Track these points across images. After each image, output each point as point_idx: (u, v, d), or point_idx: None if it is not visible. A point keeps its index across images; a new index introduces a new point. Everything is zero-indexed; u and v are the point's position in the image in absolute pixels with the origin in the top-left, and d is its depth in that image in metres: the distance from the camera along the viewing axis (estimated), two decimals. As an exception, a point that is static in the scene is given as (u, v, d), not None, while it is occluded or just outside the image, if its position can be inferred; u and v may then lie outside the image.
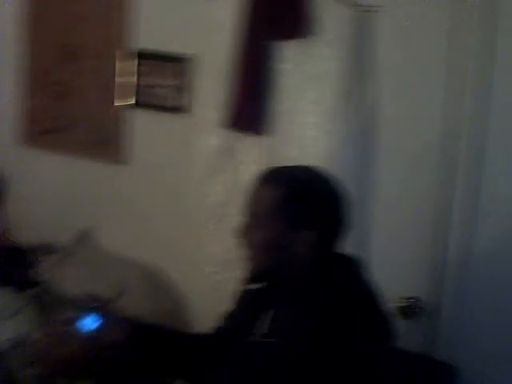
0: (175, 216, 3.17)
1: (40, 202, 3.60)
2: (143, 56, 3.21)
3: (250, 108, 2.89)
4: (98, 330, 1.71)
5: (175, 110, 3.15)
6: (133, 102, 3.26)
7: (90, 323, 1.70)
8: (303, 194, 1.76)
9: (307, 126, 2.85)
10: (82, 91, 3.44)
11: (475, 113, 2.51)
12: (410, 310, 2.70)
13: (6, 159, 3.66)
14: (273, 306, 1.81)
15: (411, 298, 2.70)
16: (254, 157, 2.96)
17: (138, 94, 3.25)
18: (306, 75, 2.82)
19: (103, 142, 3.38)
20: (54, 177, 3.58)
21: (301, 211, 1.74)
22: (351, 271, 1.83)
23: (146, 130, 3.29)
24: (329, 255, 1.82)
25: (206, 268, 3.01)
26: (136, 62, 3.22)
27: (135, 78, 3.24)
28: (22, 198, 3.63)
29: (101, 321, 1.73)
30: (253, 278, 1.95)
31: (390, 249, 2.77)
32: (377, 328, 1.75)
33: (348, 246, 2.78)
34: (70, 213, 3.50)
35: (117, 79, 3.29)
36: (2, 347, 2.81)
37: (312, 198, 1.76)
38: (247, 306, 1.96)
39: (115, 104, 3.31)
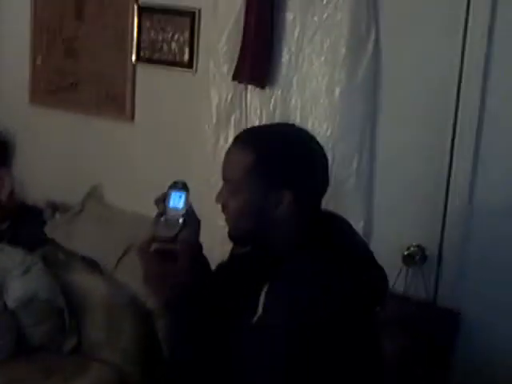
0: (181, 171, 3.16)
1: (48, 161, 3.62)
2: (149, 10, 3.20)
3: (258, 60, 2.87)
4: (185, 210, 1.56)
5: (182, 64, 3.14)
6: (139, 57, 3.26)
7: (177, 201, 1.56)
8: (275, 154, 1.66)
9: (316, 77, 2.84)
10: (89, 49, 3.44)
11: (477, 61, 2.51)
12: (413, 257, 2.72)
13: (14, 118, 3.70)
14: (264, 278, 1.68)
15: (414, 245, 2.73)
16: (262, 109, 2.95)
17: (144, 50, 3.24)
18: (313, 25, 2.79)
19: (111, 99, 3.39)
20: (62, 135, 3.59)
21: (273, 172, 1.65)
22: (341, 231, 1.74)
23: (152, 86, 3.28)
24: (313, 215, 1.73)
25: (218, 221, 3.00)
26: (142, 17, 3.21)
27: (142, 34, 3.22)
28: (30, 156, 3.67)
29: (186, 202, 1.58)
30: (235, 243, 1.83)
31: (393, 198, 2.78)
32: (375, 289, 1.67)
33: (353, 196, 2.87)
34: (78, 170, 3.52)
35: (124, 36, 3.28)
36: (13, 305, 2.88)
37: (285, 157, 1.66)
38: (236, 273, 1.85)
39: (123, 61, 3.30)
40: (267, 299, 1.62)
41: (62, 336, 2.93)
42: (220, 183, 2.87)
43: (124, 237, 3.12)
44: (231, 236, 1.74)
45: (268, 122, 2.86)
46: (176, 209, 1.55)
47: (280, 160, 1.66)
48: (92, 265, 3.05)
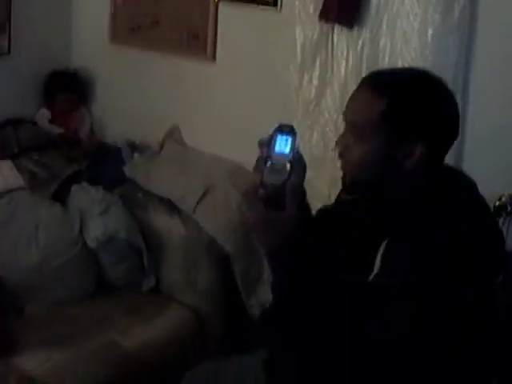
0: (265, 113, 3.09)
1: (128, 100, 3.58)
2: None
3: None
4: (292, 155, 1.44)
5: (266, 2, 3.03)
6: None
7: (283, 146, 1.45)
8: (411, 101, 1.53)
9: (407, 17, 2.69)
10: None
11: None
12: (505, 207, 2.61)
13: (94, 57, 3.68)
14: (380, 232, 1.55)
15: (506, 195, 2.60)
16: (349, 50, 2.82)
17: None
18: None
19: (192, 38, 3.31)
20: (142, 74, 3.54)
21: (407, 121, 1.53)
22: (467, 189, 1.62)
23: (235, 24, 3.19)
24: (439, 170, 1.61)
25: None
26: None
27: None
28: (109, 96, 3.65)
29: (292, 146, 1.45)
30: (351, 192, 1.72)
31: (483, 145, 2.64)
32: (498, 254, 1.57)
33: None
34: (157, 110, 3.47)
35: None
36: (92, 243, 2.89)
37: (422, 105, 1.53)
38: (344, 221, 1.71)
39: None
40: (387, 257, 1.51)
41: (140, 275, 2.94)
42: (301, 126, 2.77)
43: (203, 179, 3.08)
44: (348, 183, 1.65)
45: (356, 64, 2.76)
46: (282, 153, 1.45)
47: (416, 108, 1.54)
48: (170, 206, 3.01)
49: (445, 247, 1.46)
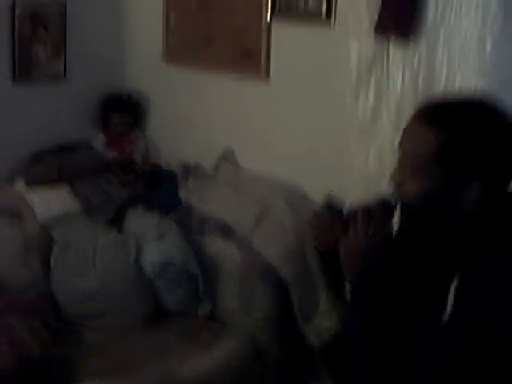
0: (320, 133, 3.03)
1: (182, 121, 3.55)
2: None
3: (402, 9, 2.64)
4: None
5: (319, 18, 2.95)
6: (274, 11, 3.10)
7: None
8: (466, 139, 1.45)
9: (465, 29, 2.57)
10: (223, 3, 3.32)
11: None
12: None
13: (148, 79, 3.67)
14: (451, 268, 1.48)
15: None
16: (405, 66, 2.72)
17: (279, 3, 3.08)
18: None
19: (245, 56, 3.26)
20: (196, 94, 3.50)
21: (461, 161, 1.45)
22: None
23: (288, 41, 3.11)
24: (502, 202, 1.52)
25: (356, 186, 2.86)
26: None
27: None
28: (163, 117, 3.63)
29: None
30: (407, 221, 1.64)
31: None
32: None
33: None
34: (211, 131, 3.43)
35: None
36: (149, 269, 2.86)
37: (478, 144, 1.44)
38: (410, 253, 1.63)
39: (258, 15, 3.14)
40: (459, 297, 1.44)
41: (196, 302, 2.91)
42: (357, 145, 2.68)
43: (258, 202, 3.02)
44: (406, 214, 1.60)
45: (412, 80, 2.67)
46: None
47: (472, 147, 1.45)
48: (226, 230, 2.97)
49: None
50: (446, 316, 1.44)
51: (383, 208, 1.59)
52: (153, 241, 2.91)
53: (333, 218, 1.65)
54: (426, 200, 1.50)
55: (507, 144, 1.48)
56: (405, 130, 1.54)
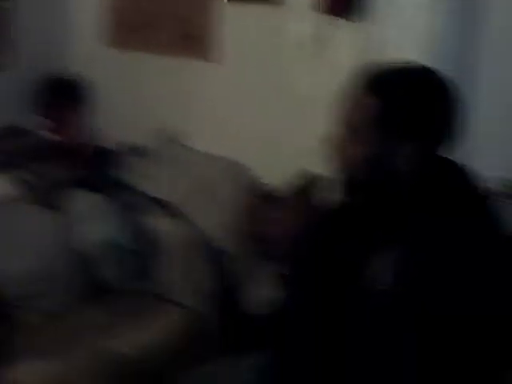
0: (269, 114, 3.03)
1: (126, 104, 3.54)
2: None
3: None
4: None
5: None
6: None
7: None
8: (404, 103, 1.52)
9: (412, 5, 2.62)
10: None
11: None
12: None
13: (91, 62, 3.63)
14: (385, 237, 1.52)
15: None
16: (350, 43, 2.77)
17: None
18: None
19: (193, 38, 3.25)
20: (140, 77, 3.49)
21: (402, 123, 1.51)
22: (468, 184, 1.57)
23: (235, 23, 3.12)
24: (435, 164, 1.57)
25: (300, 160, 2.86)
26: None
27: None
28: (108, 100, 3.58)
29: None
30: (347, 192, 1.68)
31: (491, 131, 2.57)
32: None
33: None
34: (156, 113, 3.42)
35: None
36: (90, 249, 2.83)
37: (415, 106, 1.51)
38: (344, 228, 1.67)
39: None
40: (399, 266, 1.46)
41: (138, 279, 2.89)
42: (309, 124, 2.71)
43: (199, 179, 3.03)
44: (345, 186, 1.63)
45: (360, 56, 2.69)
46: None
47: (410, 110, 1.51)
48: (167, 207, 2.96)
49: (472, 261, 1.43)
50: (385, 287, 1.46)
51: (302, 194, 1.66)
52: (94, 220, 2.89)
53: (262, 204, 1.71)
54: (367, 163, 1.54)
55: (442, 106, 1.54)
56: (345, 98, 1.59)
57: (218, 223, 2.83)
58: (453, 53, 2.60)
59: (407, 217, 1.50)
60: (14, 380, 2.34)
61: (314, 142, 2.74)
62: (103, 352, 2.51)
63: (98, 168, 3.28)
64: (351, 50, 2.77)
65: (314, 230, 1.76)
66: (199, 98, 3.29)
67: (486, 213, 1.55)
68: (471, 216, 1.50)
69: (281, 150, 2.97)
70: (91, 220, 2.90)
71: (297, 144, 2.87)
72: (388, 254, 1.48)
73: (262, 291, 2.60)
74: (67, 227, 2.88)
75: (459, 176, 1.58)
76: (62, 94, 3.47)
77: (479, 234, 1.47)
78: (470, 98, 2.54)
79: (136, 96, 3.50)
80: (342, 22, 2.75)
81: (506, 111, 2.57)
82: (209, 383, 1.97)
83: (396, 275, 1.44)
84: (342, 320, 1.49)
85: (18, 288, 2.75)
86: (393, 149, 1.52)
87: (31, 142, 3.40)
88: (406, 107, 1.51)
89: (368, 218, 1.61)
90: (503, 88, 2.54)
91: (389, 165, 1.53)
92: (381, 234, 1.54)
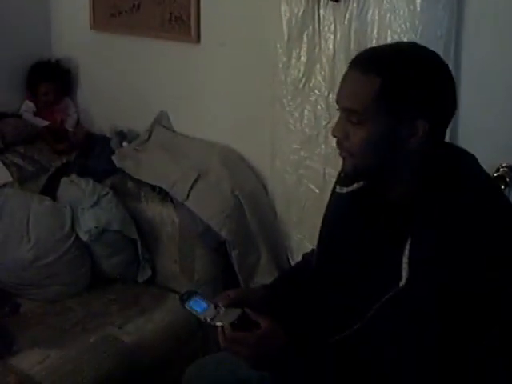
0: (253, 94, 3.02)
1: (113, 88, 3.50)
2: None
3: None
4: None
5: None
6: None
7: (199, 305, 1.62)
8: (403, 77, 1.46)
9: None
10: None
11: None
12: (504, 179, 2.54)
13: (76, 46, 3.59)
14: (397, 228, 1.49)
15: (504, 166, 2.54)
16: (336, 24, 2.72)
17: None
18: None
19: (175, 20, 3.20)
20: (126, 60, 3.45)
21: (404, 98, 1.45)
22: (476, 169, 1.55)
23: (218, 4, 3.07)
24: (443, 148, 1.54)
25: (291, 145, 2.86)
26: None
27: None
28: (94, 84, 3.57)
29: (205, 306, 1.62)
30: (354, 180, 1.65)
31: (479, 115, 2.56)
32: None
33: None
34: (143, 97, 3.39)
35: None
36: (85, 237, 2.83)
37: (418, 80, 1.45)
38: (345, 217, 1.66)
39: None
40: (414, 261, 1.44)
41: (135, 267, 2.90)
42: (291, 104, 2.69)
43: (194, 164, 3.00)
44: (351, 172, 1.57)
45: (344, 38, 2.68)
46: (205, 308, 1.61)
47: (411, 83, 1.45)
48: (162, 194, 2.95)
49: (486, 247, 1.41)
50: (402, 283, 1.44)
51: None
52: (88, 208, 2.86)
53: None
54: (375, 145, 1.49)
55: (442, 80, 1.51)
56: (342, 81, 1.54)
57: (216, 209, 2.81)
58: (437, 35, 2.60)
59: (417, 211, 1.47)
60: (17, 368, 2.34)
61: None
62: (104, 339, 2.52)
63: (88, 154, 3.27)
64: (335, 31, 2.72)
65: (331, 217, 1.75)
66: (185, 80, 3.27)
67: (501, 194, 1.56)
68: (488, 198, 1.49)
69: (260, 130, 2.98)
70: (84, 207, 2.87)
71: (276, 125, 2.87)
72: (401, 253, 1.45)
73: (264, 280, 2.62)
74: (61, 214, 2.86)
75: (469, 160, 1.57)
76: (49, 78, 3.45)
77: (495, 212, 1.46)
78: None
79: (123, 80, 3.46)
80: (325, 2, 2.70)
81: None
82: (213, 370, 1.99)
83: (411, 272, 1.43)
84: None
85: (15, 277, 2.75)
86: (398, 127, 1.47)
87: (18, 126, 3.38)
88: (405, 80, 1.45)
89: (377, 222, 1.59)
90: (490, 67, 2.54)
91: (396, 145, 1.48)
92: (391, 236, 1.52)
